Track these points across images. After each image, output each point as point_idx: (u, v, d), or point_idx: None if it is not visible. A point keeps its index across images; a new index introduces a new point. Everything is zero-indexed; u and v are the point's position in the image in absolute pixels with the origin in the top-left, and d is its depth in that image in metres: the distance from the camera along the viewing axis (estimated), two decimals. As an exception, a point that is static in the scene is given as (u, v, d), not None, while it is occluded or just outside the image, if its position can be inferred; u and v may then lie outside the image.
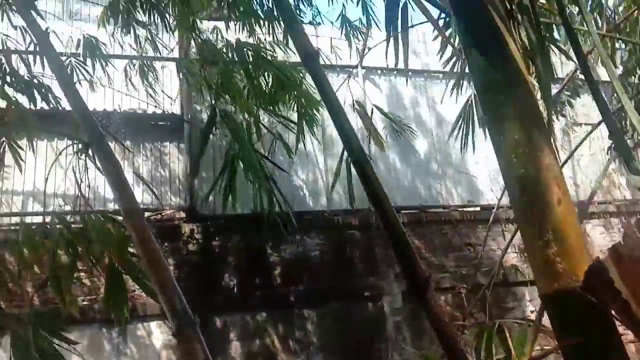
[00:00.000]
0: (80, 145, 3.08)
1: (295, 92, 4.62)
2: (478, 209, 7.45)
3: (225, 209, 3.28)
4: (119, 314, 2.81)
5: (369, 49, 6.23)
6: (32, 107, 3.92)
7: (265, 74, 4.38)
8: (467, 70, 4.16)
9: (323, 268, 6.68)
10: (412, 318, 6.61)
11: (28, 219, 6.29)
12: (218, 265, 6.39)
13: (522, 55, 1.37)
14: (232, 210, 6.57)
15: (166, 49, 6.12)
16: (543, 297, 1.16)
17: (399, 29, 1.98)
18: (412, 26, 2.63)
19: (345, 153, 3.56)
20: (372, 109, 3.43)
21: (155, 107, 6.75)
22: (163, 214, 6.55)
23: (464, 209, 7.45)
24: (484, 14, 1.34)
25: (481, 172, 7.70)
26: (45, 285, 5.85)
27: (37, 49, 4.35)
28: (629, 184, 7.22)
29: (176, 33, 5.83)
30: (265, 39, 4.93)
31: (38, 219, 6.18)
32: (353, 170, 3.64)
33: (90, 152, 2.76)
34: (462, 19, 1.45)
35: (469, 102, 4.04)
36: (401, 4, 1.97)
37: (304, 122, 4.37)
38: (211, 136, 6.72)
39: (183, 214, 6.58)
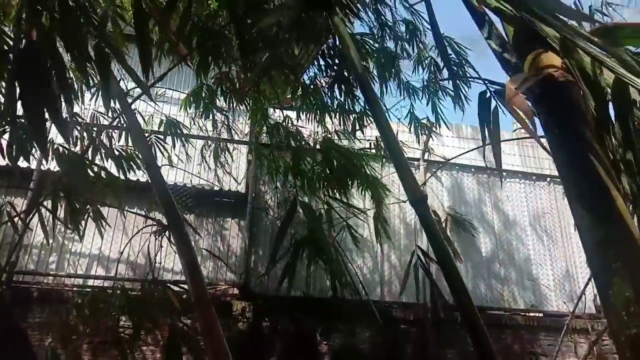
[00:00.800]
0: (158, 227, 3.33)
1: (363, 179, 4.80)
2: (541, 315, 7.08)
3: (281, 286, 3.36)
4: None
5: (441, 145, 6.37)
6: (122, 177, 4.27)
7: (335, 161, 4.60)
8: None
9: (372, 361, 6.47)
10: None
11: (90, 282, 6.64)
12: (266, 346, 6.35)
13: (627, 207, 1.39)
14: (286, 292, 6.70)
15: (237, 134, 6.60)
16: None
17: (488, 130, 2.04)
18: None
19: (415, 256, 3.65)
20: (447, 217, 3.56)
21: (222, 186, 7.15)
22: (217, 288, 6.69)
23: (527, 314, 7.10)
24: (588, 165, 1.38)
25: (546, 277, 7.41)
26: (102, 349, 6.02)
27: (128, 129, 4.84)
28: None
29: (249, 119, 6.30)
30: (333, 129, 5.23)
31: (98, 284, 6.53)
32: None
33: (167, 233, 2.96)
34: (565, 169, 1.50)
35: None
36: (492, 108, 2.04)
37: (377, 210, 4.50)
38: (269, 216, 7.01)
39: (236, 291, 6.68)
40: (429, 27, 4.28)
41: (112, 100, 4.23)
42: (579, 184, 1.41)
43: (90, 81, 4.89)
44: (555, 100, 1.54)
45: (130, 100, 3.68)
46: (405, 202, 6.73)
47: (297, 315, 6.57)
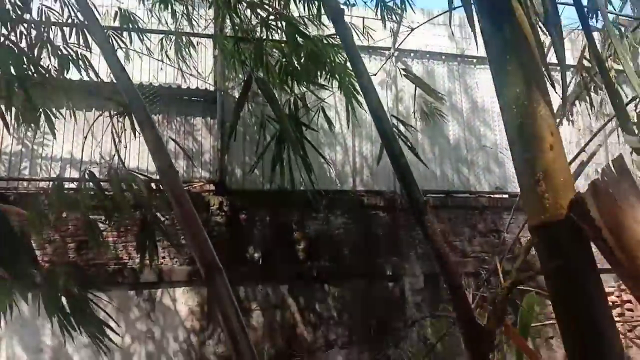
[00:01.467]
0: (121, 108, 3.33)
1: (331, 66, 4.77)
2: (506, 196, 7.50)
3: (271, 182, 3.45)
4: (151, 257, 3.08)
5: (411, 29, 6.25)
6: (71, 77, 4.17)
7: (300, 48, 4.54)
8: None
9: (346, 246, 6.88)
10: (433, 300, 6.76)
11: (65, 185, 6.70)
12: (244, 237, 6.67)
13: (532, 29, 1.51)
14: (260, 186, 6.89)
15: (199, 26, 6.35)
16: (532, 229, 1.35)
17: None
18: (454, 8, 2.72)
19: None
20: (415, 88, 3.57)
21: (189, 82, 7.02)
22: (193, 185, 6.85)
23: (492, 196, 7.51)
24: None
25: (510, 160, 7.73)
26: (82, 246, 6.24)
27: (78, 22, 4.63)
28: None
29: (211, 9, 6.05)
30: (299, 14, 5.08)
31: (73, 185, 6.61)
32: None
33: (128, 117, 2.98)
34: None
35: None
36: None
37: (344, 92, 4.50)
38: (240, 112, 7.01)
39: (212, 187, 6.85)
40: None
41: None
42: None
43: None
44: None
45: None
46: (373, 75, 6.77)
47: (272, 207, 6.84)
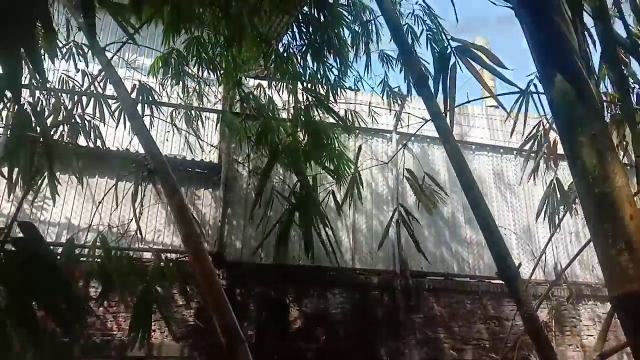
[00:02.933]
0: (145, 173, 3.35)
1: (330, 152, 4.91)
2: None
3: (278, 256, 3.43)
4: (144, 335, 2.99)
5: (425, 120, 6.50)
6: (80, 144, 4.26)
7: (304, 132, 4.68)
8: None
9: (343, 327, 6.70)
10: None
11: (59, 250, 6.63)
12: (239, 313, 6.49)
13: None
14: (258, 260, 6.82)
15: (209, 101, 6.57)
16: (614, 299, 1.34)
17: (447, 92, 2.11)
18: (462, 104, 2.78)
19: (396, 215, 3.74)
20: (424, 176, 3.64)
21: (194, 153, 7.15)
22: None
23: (491, 281, 7.43)
24: (563, 46, 1.55)
25: (509, 242, 7.73)
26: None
27: (96, 92, 4.80)
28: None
29: (221, 87, 6.28)
30: (306, 98, 5.27)
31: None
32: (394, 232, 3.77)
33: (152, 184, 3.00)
34: (540, 50, 1.63)
35: (552, 185, 4.23)
36: (450, 65, 2.10)
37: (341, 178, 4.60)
38: (240, 186, 7.08)
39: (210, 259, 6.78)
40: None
41: (85, 59, 4.16)
42: (553, 62, 1.57)
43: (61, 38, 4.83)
44: None
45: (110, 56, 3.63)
46: (382, 164, 6.94)
47: (270, 282, 6.73)
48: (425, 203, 4.47)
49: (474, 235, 7.70)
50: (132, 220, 3.79)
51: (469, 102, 3.64)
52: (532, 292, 7.05)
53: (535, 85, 3.47)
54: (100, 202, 4.36)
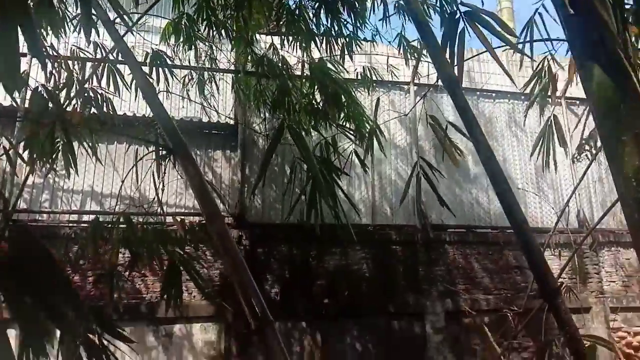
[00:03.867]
0: (164, 152, 3.42)
1: (348, 109, 4.87)
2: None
3: (309, 221, 3.47)
4: (175, 299, 3.11)
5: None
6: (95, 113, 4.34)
7: (321, 90, 4.63)
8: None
9: (366, 282, 6.86)
10: (454, 339, 6.67)
11: (85, 218, 6.82)
12: (263, 272, 6.68)
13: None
14: (279, 219, 6.92)
15: (221, 62, 6.51)
16: None
17: (455, 54, 2.06)
18: (469, 58, 2.75)
19: (416, 169, 3.75)
20: (447, 125, 3.59)
21: (210, 115, 7.16)
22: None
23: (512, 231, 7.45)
24: (601, 34, 1.48)
25: (529, 194, 7.72)
26: (100, 281, 6.31)
27: (108, 62, 4.79)
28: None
29: (234, 49, 6.19)
30: (322, 55, 5.19)
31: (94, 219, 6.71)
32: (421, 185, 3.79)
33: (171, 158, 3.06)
34: (576, 36, 1.57)
35: (549, 122, 4.17)
36: (459, 30, 2.05)
37: (366, 136, 4.58)
38: (258, 147, 7.11)
39: (230, 220, 6.92)
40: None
41: (96, 30, 4.18)
42: (594, 60, 1.50)
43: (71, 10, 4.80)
44: None
45: (119, 30, 3.61)
46: (402, 116, 6.88)
47: (292, 240, 6.86)
48: (451, 151, 4.46)
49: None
50: (154, 189, 3.87)
51: (483, 52, 3.56)
52: (555, 241, 7.09)
53: (540, 15, 3.36)
54: (122, 181, 4.44)
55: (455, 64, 2.12)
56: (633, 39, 1.60)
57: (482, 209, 7.61)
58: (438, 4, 4.48)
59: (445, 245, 7.18)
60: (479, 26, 2.02)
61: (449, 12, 2.04)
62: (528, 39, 3.53)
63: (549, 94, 4.16)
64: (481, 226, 7.47)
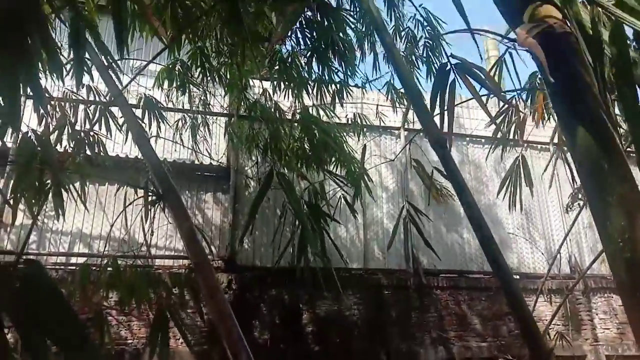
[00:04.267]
0: (154, 197, 3.45)
1: (338, 154, 4.94)
2: (518, 277, 7.43)
3: (299, 263, 3.51)
4: (162, 350, 3.08)
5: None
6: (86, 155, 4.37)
7: (312, 136, 4.72)
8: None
9: (357, 329, 6.77)
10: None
11: (73, 260, 6.76)
12: (253, 318, 6.59)
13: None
14: (270, 263, 6.89)
15: (214, 106, 6.63)
16: None
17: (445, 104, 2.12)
18: (458, 103, 2.83)
19: (404, 212, 3.78)
20: (432, 170, 3.66)
21: (202, 158, 7.23)
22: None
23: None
24: (586, 105, 1.50)
25: (519, 240, 7.77)
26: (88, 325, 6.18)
27: (101, 106, 4.87)
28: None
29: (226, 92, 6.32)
30: (314, 101, 5.31)
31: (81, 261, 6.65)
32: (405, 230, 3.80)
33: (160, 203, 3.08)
34: (563, 108, 1.61)
35: (517, 162, 4.26)
36: (449, 81, 2.11)
37: (353, 180, 4.64)
38: (249, 191, 7.14)
39: (220, 263, 6.87)
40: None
41: (90, 74, 4.26)
42: (576, 121, 1.52)
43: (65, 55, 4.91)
44: (554, 49, 1.62)
45: (112, 75, 3.70)
46: (389, 161, 6.96)
47: (282, 285, 6.80)
48: (436, 195, 4.54)
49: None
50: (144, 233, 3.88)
51: (470, 100, 3.67)
52: (547, 287, 7.08)
53: (510, 54, 3.47)
54: (111, 224, 4.44)
55: (446, 117, 2.18)
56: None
57: (474, 253, 7.61)
58: (425, 54, 4.64)
59: (437, 291, 7.15)
60: (468, 77, 2.10)
61: (439, 64, 2.10)
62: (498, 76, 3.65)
63: (517, 137, 4.29)
64: (473, 271, 7.46)
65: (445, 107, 2.14)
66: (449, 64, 2.12)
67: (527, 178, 4.28)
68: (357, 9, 4.70)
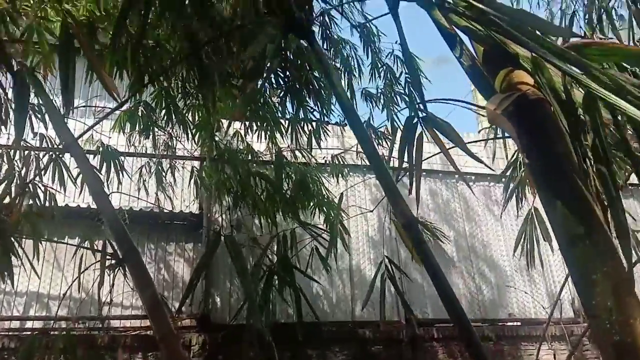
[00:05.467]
0: (113, 261, 3.16)
1: (317, 199, 4.67)
2: (519, 323, 7.10)
3: (263, 321, 3.39)
4: None
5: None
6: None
7: (287, 180, 4.47)
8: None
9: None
10: None
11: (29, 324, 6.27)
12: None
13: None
14: (246, 320, 6.45)
15: (181, 150, 6.34)
16: None
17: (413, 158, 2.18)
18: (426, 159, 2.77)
19: (382, 268, 3.60)
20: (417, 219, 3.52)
21: (171, 207, 6.85)
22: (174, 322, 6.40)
23: (505, 324, 7.10)
24: (563, 174, 1.48)
25: (522, 283, 7.49)
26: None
27: (55, 155, 4.58)
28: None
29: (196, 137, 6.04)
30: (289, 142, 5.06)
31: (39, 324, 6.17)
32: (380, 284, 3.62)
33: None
34: (541, 179, 1.57)
35: (530, 216, 4.16)
36: (417, 135, 2.17)
37: (333, 229, 4.36)
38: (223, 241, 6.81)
39: (188, 322, 6.42)
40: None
41: (43, 121, 4.04)
42: (554, 193, 1.51)
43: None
44: (528, 116, 1.64)
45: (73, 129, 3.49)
46: (370, 211, 6.70)
47: (261, 343, 6.34)
48: (416, 257, 4.29)
49: (483, 273, 7.41)
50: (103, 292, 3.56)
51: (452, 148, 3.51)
52: (550, 333, 6.76)
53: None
54: (68, 287, 4.12)
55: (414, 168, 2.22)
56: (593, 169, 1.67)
57: (469, 301, 7.27)
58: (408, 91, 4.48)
59: (432, 342, 6.76)
60: (435, 131, 2.15)
61: (407, 116, 2.21)
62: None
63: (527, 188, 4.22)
64: (473, 319, 7.10)
65: (414, 162, 2.19)
66: (416, 117, 2.18)
67: (543, 232, 4.14)
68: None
